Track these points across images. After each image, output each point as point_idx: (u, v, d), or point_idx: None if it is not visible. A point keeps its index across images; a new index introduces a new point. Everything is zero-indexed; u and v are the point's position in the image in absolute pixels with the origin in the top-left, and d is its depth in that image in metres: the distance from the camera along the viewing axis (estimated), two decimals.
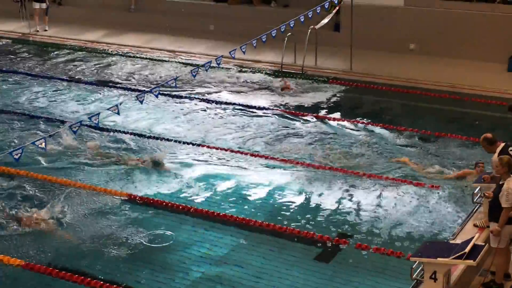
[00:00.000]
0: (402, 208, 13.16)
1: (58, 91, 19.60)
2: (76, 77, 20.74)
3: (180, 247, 11.92)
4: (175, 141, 16.19)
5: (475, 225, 11.71)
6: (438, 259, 9.82)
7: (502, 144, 11.65)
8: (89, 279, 10.90)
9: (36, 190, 13.79)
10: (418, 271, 10.14)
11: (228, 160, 15.29)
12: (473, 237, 10.17)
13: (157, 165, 14.93)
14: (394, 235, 12.30)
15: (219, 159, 15.35)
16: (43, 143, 11.13)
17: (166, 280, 11.01)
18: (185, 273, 11.20)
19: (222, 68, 20.27)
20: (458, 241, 10.67)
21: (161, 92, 15.75)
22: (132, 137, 16.48)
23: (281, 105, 18.50)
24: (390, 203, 13.33)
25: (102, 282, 10.83)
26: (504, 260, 10.55)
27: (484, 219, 11.48)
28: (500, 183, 10.47)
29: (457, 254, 9.74)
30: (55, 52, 23.39)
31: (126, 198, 13.52)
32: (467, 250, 9.74)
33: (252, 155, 15.41)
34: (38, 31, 25.42)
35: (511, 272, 10.75)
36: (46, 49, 23.85)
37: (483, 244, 10.25)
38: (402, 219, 12.75)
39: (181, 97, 19.00)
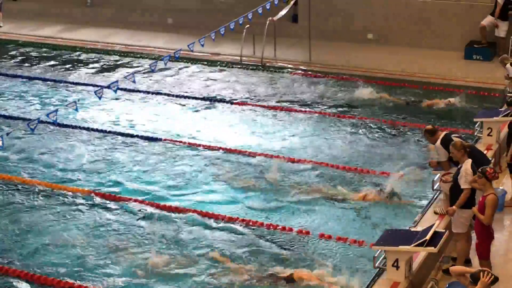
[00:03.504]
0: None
1: (15, 89, 19.27)
2: (34, 75, 20.42)
3: None
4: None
5: (435, 212, 11.85)
6: (400, 247, 9.92)
7: (443, 133, 11.81)
8: None
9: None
10: (380, 259, 10.23)
11: None
12: (433, 224, 10.28)
13: (395, 197, 12.72)
14: (355, 224, 12.40)
15: None
16: (0, 141, 10.96)
17: None
18: None
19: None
20: (419, 228, 10.77)
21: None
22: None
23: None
24: (352, 192, 13.41)
25: None
26: (465, 245, 10.68)
27: (445, 205, 11.63)
28: (459, 166, 10.63)
29: (419, 242, 9.85)
30: (11, 49, 22.99)
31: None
32: (428, 237, 9.85)
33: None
34: None
35: (472, 258, 10.89)
36: (1, 45, 23.43)
37: (444, 231, 10.38)
38: (364, 207, 12.85)
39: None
